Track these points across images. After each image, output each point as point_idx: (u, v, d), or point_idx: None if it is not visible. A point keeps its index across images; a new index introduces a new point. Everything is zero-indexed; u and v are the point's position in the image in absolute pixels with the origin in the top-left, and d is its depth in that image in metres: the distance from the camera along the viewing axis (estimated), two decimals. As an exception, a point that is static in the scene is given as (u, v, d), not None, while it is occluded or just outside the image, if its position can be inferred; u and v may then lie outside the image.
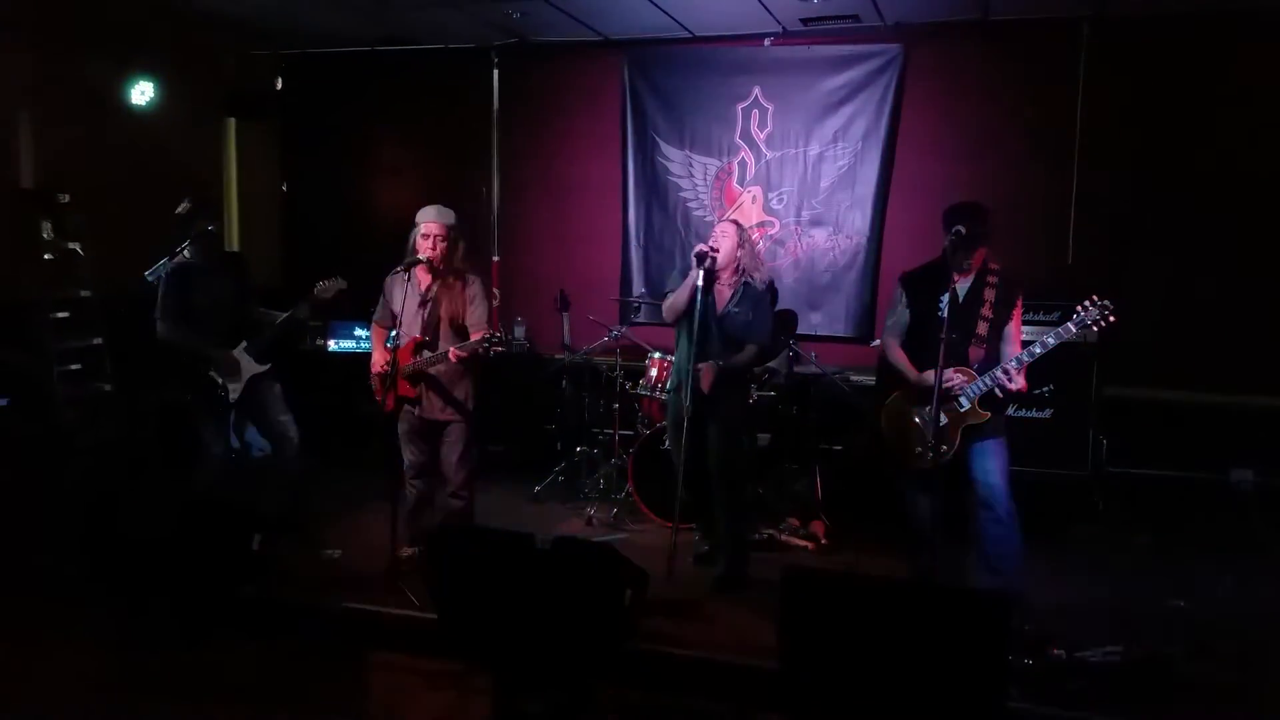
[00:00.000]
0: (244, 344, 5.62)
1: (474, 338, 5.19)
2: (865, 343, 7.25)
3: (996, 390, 4.48)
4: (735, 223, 5.44)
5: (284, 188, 9.21)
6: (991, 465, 4.54)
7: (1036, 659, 4.13)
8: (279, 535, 5.44)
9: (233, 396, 5.61)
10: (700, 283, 5.08)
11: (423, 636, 4.55)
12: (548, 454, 7.50)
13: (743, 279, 5.27)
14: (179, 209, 5.57)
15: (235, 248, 8.70)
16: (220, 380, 5.57)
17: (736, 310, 5.23)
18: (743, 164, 7.85)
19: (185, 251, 5.57)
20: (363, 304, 5.72)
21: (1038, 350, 4.44)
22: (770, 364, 6.51)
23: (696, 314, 5.07)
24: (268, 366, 5.69)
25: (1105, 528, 6.27)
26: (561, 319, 7.55)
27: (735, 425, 5.36)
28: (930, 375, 4.47)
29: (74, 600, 5.02)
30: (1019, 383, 4.47)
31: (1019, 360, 4.46)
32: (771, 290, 6.65)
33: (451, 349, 5.08)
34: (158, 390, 7.19)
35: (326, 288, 5.61)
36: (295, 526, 5.80)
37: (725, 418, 5.25)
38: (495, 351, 5.08)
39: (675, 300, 5.26)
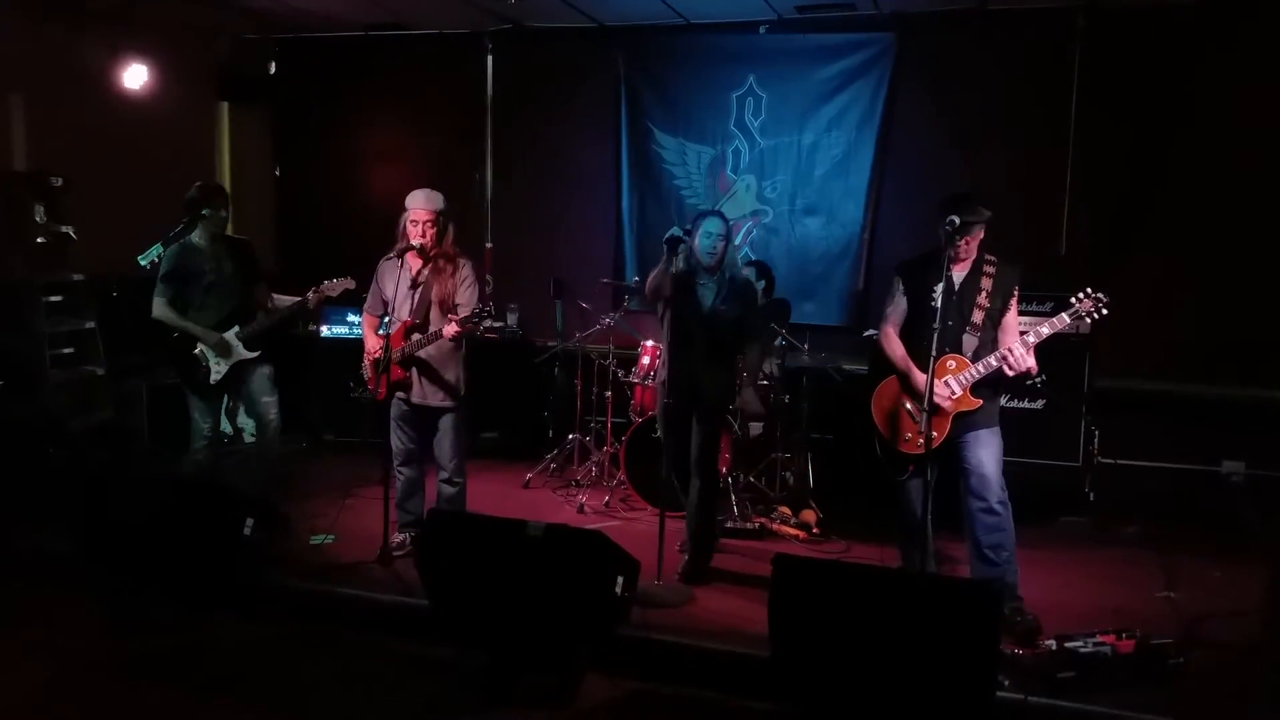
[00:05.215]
0: (235, 329, 5.58)
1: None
2: (858, 332, 7.24)
3: (1006, 370, 4.46)
4: (719, 214, 5.32)
5: (277, 172, 9.18)
6: (984, 455, 4.54)
7: (1027, 648, 4.15)
8: (266, 522, 5.43)
9: (214, 378, 5.57)
10: (672, 269, 4.96)
11: (415, 622, 4.56)
12: (540, 441, 7.51)
13: (727, 273, 5.21)
14: (189, 194, 5.54)
15: (228, 232, 8.66)
16: (205, 361, 5.55)
17: (723, 307, 5.16)
18: (736, 152, 7.84)
19: (194, 235, 5.56)
20: (355, 290, 5.70)
21: (1031, 340, 4.45)
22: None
23: (683, 311, 5.02)
24: (256, 354, 5.65)
25: (1096, 518, 6.29)
26: (555, 306, 7.54)
27: (720, 419, 5.41)
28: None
29: (66, 583, 5.02)
30: (1030, 361, 4.44)
31: (1024, 342, 4.45)
32: (770, 278, 6.68)
33: (446, 326, 5.07)
34: (149, 373, 7.18)
35: (334, 285, 5.57)
36: (274, 510, 5.76)
37: (711, 411, 5.25)
38: (489, 327, 5.06)
39: (656, 279, 5.08)
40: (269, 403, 5.72)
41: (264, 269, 5.84)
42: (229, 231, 5.84)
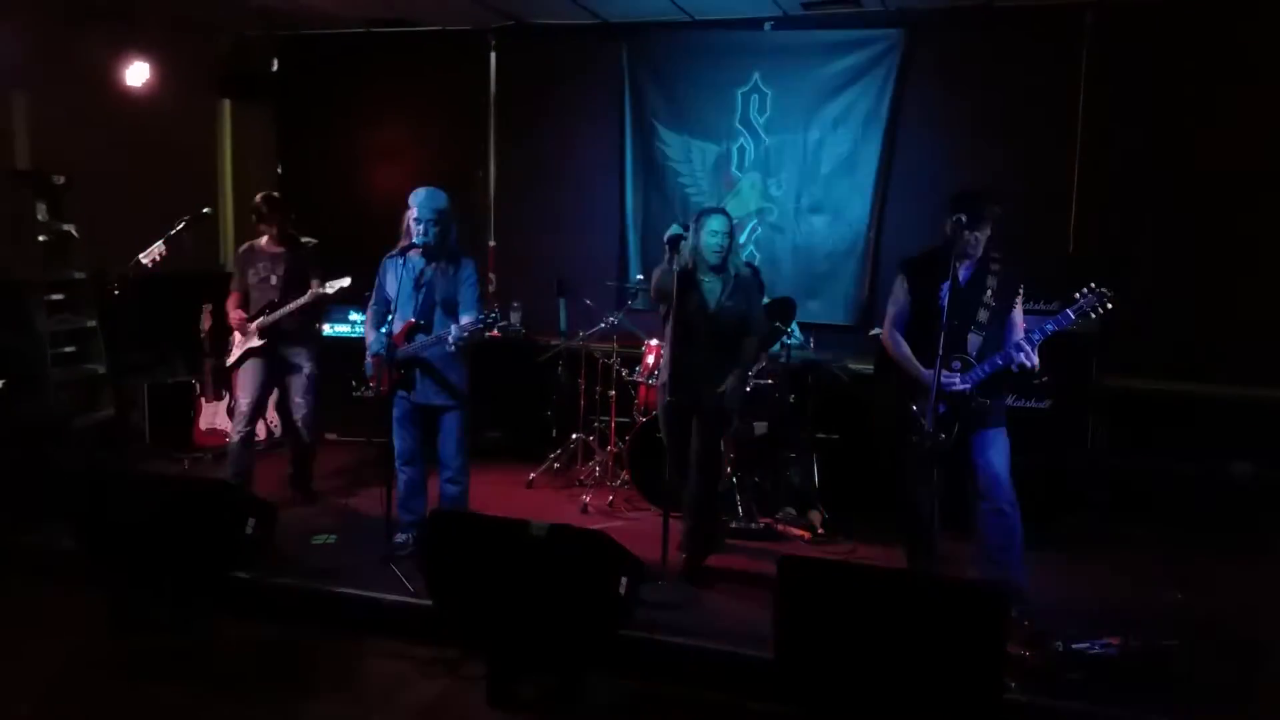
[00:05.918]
0: (259, 319, 5.88)
1: (465, 320, 5.17)
2: (864, 331, 7.20)
3: (1013, 367, 4.44)
4: (723, 211, 5.27)
5: (279, 170, 9.15)
6: (991, 455, 4.51)
7: (1034, 650, 4.12)
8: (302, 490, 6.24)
9: (228, 362, 6.08)
10: (676, 267, 4.95)
11: (417, 622, 4.55)
12: (543, 441, 7.47)
13: (731, 269, 5.18)
14: (255, 201, 6.00)
15: (229, 230, 8.69)
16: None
17: (730, 303, 5.15)
18: (742, 149, 7.80)
19: (261, 239, 6.01)
20: (357, 287, 5.72)
21: (1036, 337, 4.41)
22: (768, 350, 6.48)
23: (686, 307, 4.98)
24: (262, 343, 5.88)
25: (1103, 519, 6.25)
26: (558, 304, 7.51)
27: (719, 417, 5.34)
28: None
29: (67, 582, 5.01)
30: (1034, 359, 4.42)
31: (1031, 339, 4.43)
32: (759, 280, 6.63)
33: (451, 332, 5.05)
34: (150, 372, 7.20)
35: (330, 284, 5.78)
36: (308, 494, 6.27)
37: (713, 410, 5.20)
38: (493, 333, 5.10)
39: (663, 278, 5.08)
40: (300, 403, 6.10)
41: (319, 268, 5.99)
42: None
